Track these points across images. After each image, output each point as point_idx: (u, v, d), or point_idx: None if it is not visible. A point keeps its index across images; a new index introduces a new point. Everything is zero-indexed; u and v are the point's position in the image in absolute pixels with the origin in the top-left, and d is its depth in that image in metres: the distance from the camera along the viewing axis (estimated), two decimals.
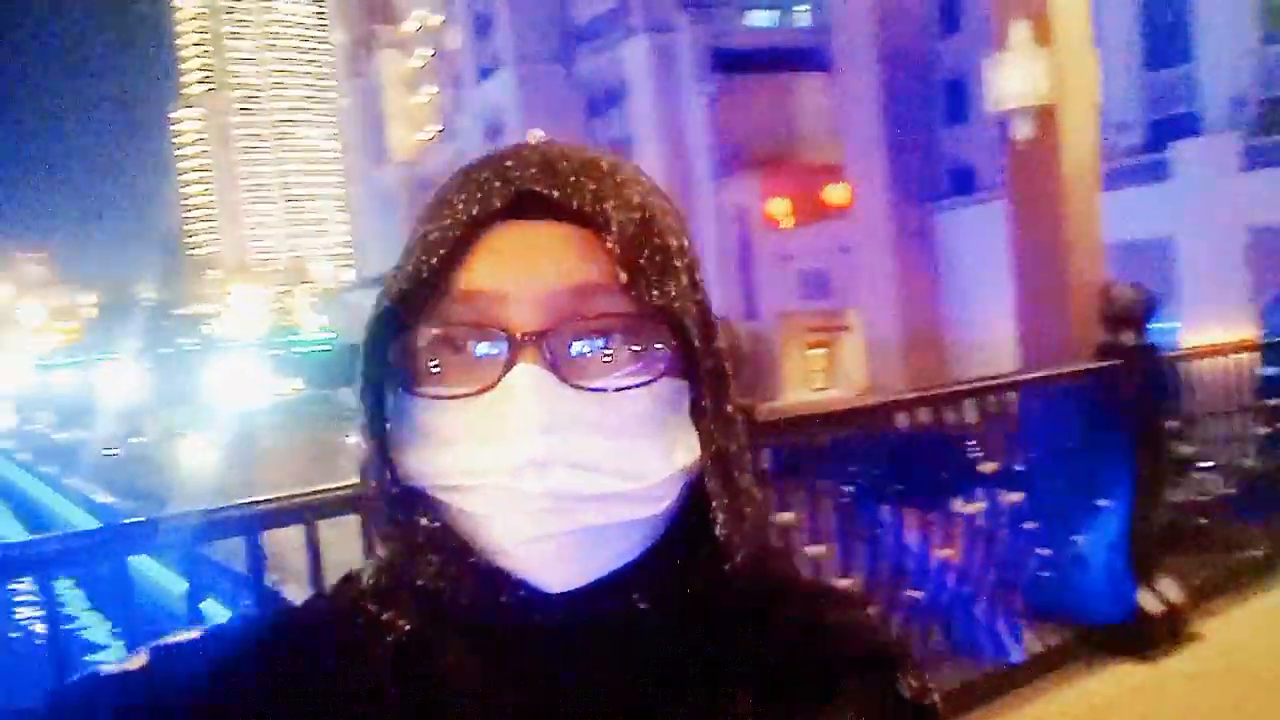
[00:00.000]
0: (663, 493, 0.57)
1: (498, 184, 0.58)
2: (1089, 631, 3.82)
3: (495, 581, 0.56)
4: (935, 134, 33.38)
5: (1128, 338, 3.84)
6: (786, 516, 2.82)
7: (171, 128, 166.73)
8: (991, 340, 28.34)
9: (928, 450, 3.64)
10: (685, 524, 0.59)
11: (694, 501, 0.59)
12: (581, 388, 0.55)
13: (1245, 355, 4.67)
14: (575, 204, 0.57)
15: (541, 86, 48.16)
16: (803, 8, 45.85)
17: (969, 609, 3.60)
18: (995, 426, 3.65)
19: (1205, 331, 23.75)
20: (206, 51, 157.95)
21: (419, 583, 0.58)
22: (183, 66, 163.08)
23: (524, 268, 0.56)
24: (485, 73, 52.33)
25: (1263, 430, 4.64)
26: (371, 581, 0.63)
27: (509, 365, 0.55)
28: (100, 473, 39.66)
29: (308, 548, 2.03)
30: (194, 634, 0.62)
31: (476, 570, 0.57)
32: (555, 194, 0.57)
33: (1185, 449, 4.21)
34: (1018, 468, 3.76)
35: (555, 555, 0.55)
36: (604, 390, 0.56)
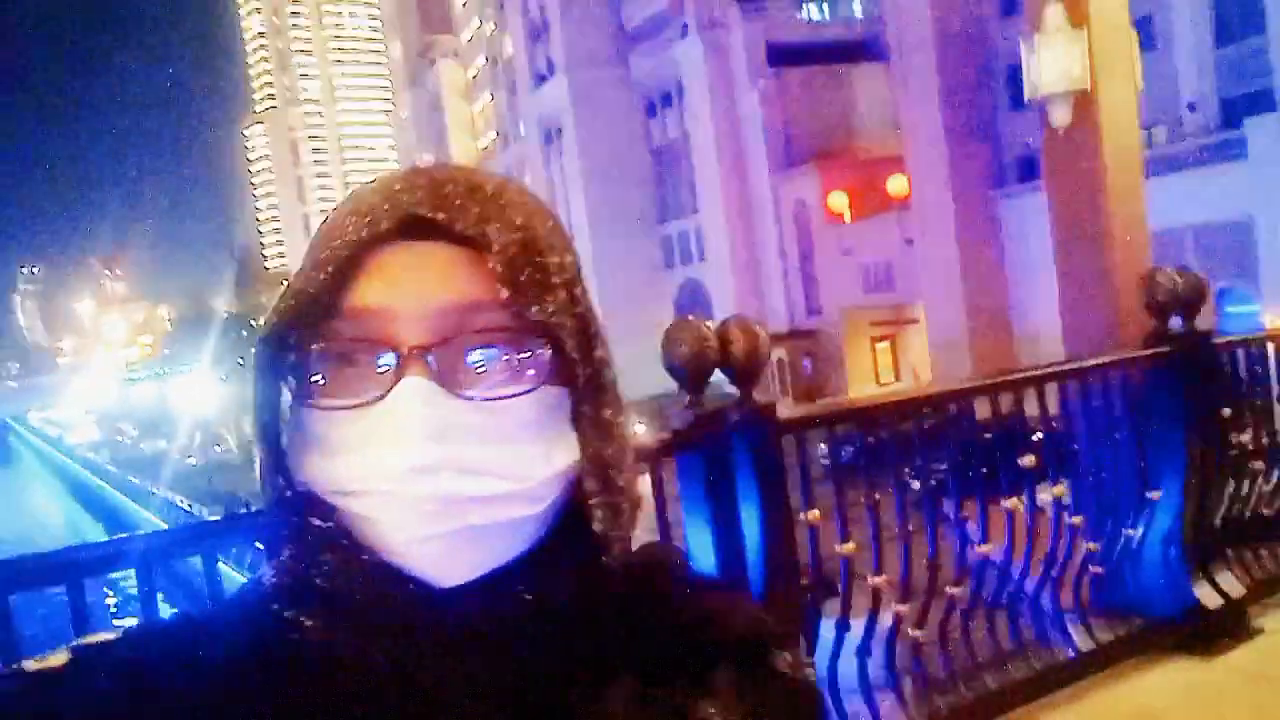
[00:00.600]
0: (544, 493, 0.62)
1: (387, 207, 0.61)
2: (1144, 626, 3.71)
3: (387, 578, 0.60)
4: (997, 121, 32.66)
5: (1175, 324, 3.73)
6: (814, 515, 2.81)
7: (244, 144, 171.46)
8: (1058, 329, 27.64)
9: (978, 442, 3.58)
10: (567, 521, 0.64)
11: (576, 500, 0.64)
12: (466, 397, 0.59)
13: None
14: (460, 226, 0.61)
15: (596, 90, 48.36)
16: None
17: (1021, 603, 3.53)
18: (1046, 417, 3.57)
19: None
20: (272, 68, 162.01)
21: (317, 582, 0.62)
22: (251, 83, 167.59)
23: (411, 286, 0.60)
24: (540, 79, 52.74)
25: None
26: (274, 581, 0.65)
27: (397, 378, 0.59)
28: (180, 480, 40.88)
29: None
30: (112, 635, 0.64)
31: (369, 568, 0.60)
32: (441, 216, 0.61)
33: (1245, 437, 4.06)
34: (1069, 459, 3.68)
35: (443, 553, 0.59)
36: (487, 399, 0.60)
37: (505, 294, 0.60)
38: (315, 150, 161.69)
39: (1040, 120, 4.15)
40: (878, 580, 2.94)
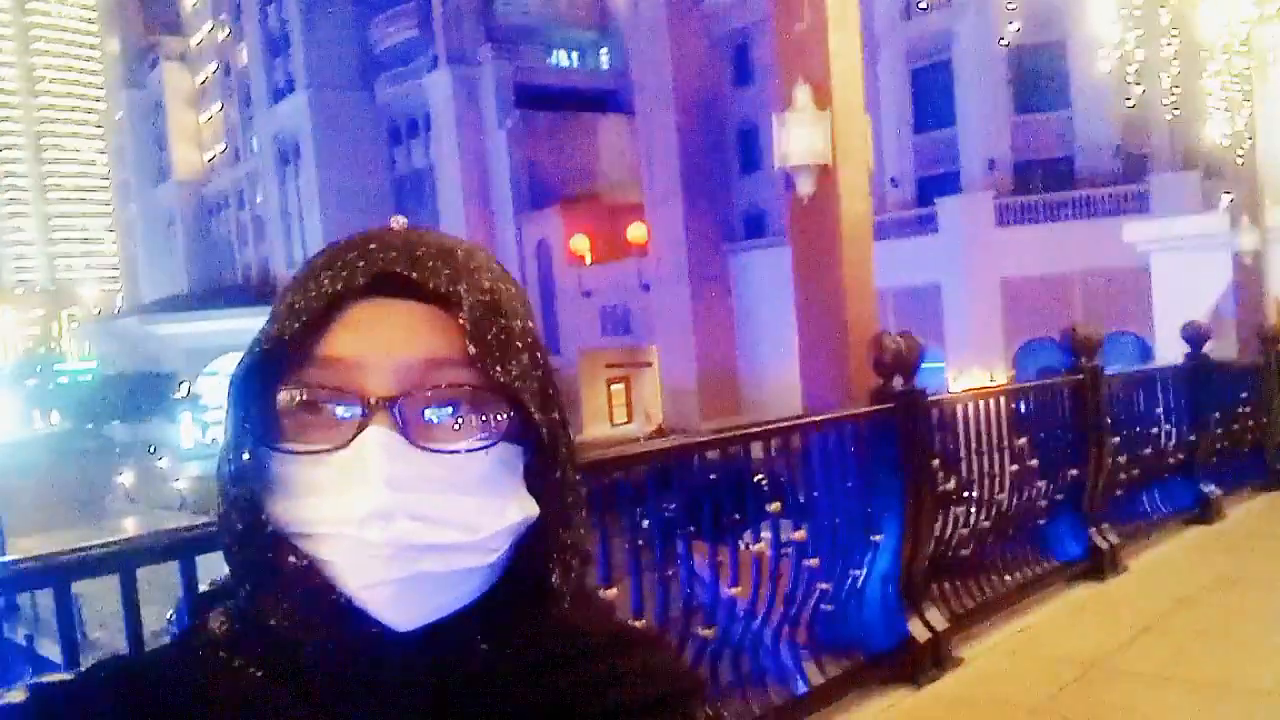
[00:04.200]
0: (496, 544, 0.64)
1: (361, 263, 0.64)
2: (865, 660, 4.03)
3: (346, 619, 0.62)
4: (729, 180, 34.87)
5: (898, 383, 4.13)
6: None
7: None
8: (779, 376, 29.79)
9: (720, 489, 3.75)
10: (519, 572, 0.67)
11: (529, 551, 0.67)
12: (427, 449, 0.62)
13: (1004, 396, 5.13)
14: (432, 285, 0.64)
15: (339, 111, 46.76)
16: (604, 51, 46.90)
17: (757, 643, 3.72)
18: (784, 467, 3.82)
19: (967, 371, 25.98)
20: None
21: (272, 623, 0.63)
22: None
23: (381, 340, 0.64)
24: (279, 94, 50.26)
25: (1014, 467, 5.10)
26: (224, 628, 0.67)
27: (362, 426, 0.62)
28: None
29: (124, 600, 1.89)
30: (67, 675, 0.66)
31: (329, 608, 0.62)
32: (414, 274, 0.64)
33: (948, 485, 4.55)
34: (803, 506, 3.94)
35: (396, 597, 0.62)
36: (446, 452, 0.63)
37: (472, 351, 0.63)
38: (7, 147, 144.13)
39: (785, 188, 4.51)
40: (639, 623, 3.00)
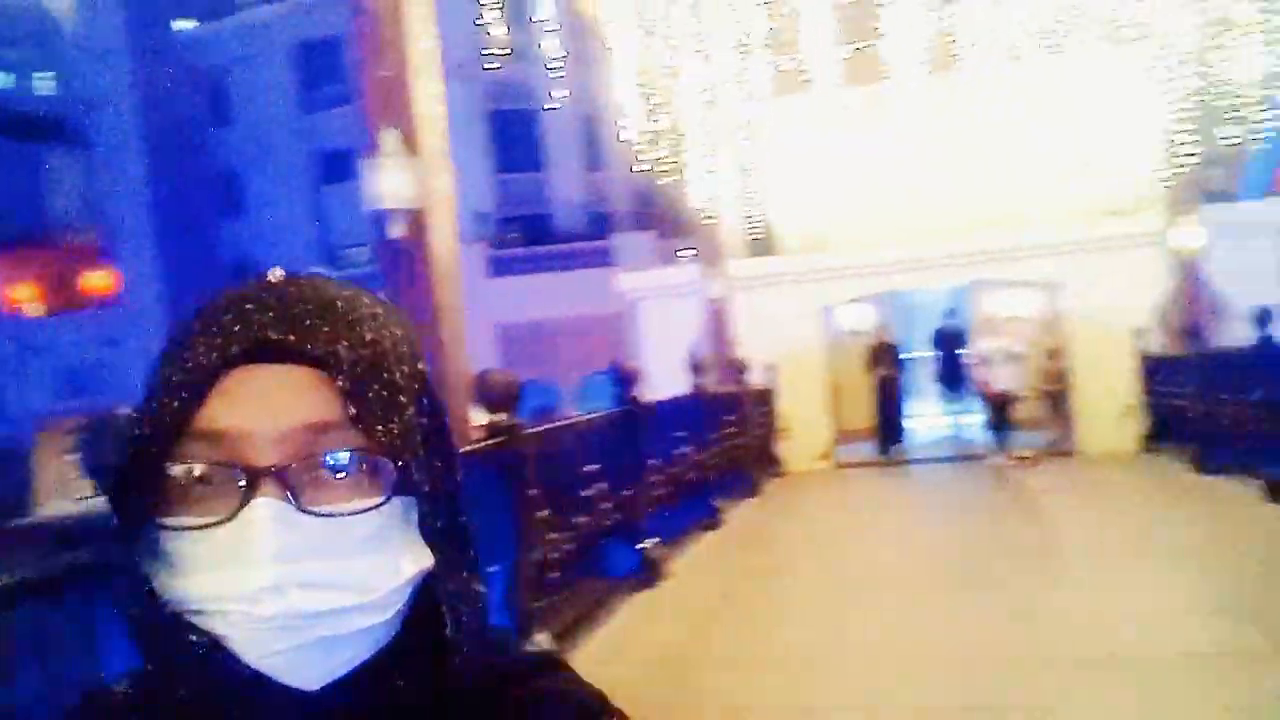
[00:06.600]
0: (392, 600, 0.65)
1: (237, 329, 0.63)
2: None
3: (254, 685, 0.62)
4: (211, 225, 32.57)
5: (503, 418, 4.32)
6: None
7: None
8: None
9: None
10: (423, 619, 0.67)
11: (428, 598, 0.67)
12: (315, 514, 0.62)
13: (579, 429, 5.56)
14: (309, 347, 0.63)
15: None
16: (46, 75, 41.07)
17: None
18: None
19: (471, 413, 27.00)
20: None
21: (181, 694, 0.62)
22: None
23: (262, 408, 0.63)
24: None
25: (588, 492, 5.56)
26: (130, 693, 0.65)
27: (247, 498, 0.61)
28: None
29: None
30: None
31: (238, 678, 0.62)
32: (291, 339, 0.63)
33: (544, 513, 4.83)
34: None
35: (294, 664, 0.62)
36: (335, 516, 0.62)
37: (352, 414, 0.63)
38: None
39: (378, 230, 4.48)
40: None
